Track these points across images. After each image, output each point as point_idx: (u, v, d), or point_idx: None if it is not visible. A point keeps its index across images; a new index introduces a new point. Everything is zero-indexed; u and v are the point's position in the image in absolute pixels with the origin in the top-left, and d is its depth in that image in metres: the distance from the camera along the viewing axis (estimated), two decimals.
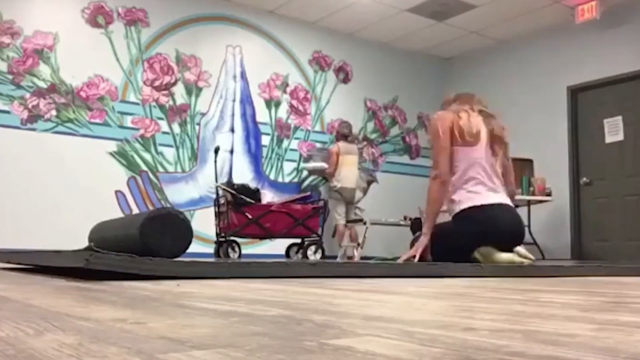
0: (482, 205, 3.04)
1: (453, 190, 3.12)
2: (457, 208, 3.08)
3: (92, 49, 6.30)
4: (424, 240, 3.02)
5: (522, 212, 6.90)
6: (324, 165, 7.17)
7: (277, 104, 7.47)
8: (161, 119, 6.64)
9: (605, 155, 6.99)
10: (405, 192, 8.03)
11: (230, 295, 1.20)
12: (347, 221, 7.00)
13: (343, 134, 7.23)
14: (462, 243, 2.99)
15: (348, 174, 6.94)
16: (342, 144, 7.07)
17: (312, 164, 7.39)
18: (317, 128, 7.75)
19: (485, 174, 3.11)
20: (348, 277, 1.97)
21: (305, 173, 7.56)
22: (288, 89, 7.57)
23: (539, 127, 7.49)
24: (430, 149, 3.33)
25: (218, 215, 5.72)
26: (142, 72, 6.58)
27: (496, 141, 3.19)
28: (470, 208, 3.04)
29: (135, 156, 6.44)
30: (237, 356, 0.51)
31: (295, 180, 7.53)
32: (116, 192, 6.28)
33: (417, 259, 2.94)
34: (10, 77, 5.87)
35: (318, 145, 7.68)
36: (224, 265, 2.06)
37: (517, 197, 6.57)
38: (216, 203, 5.75)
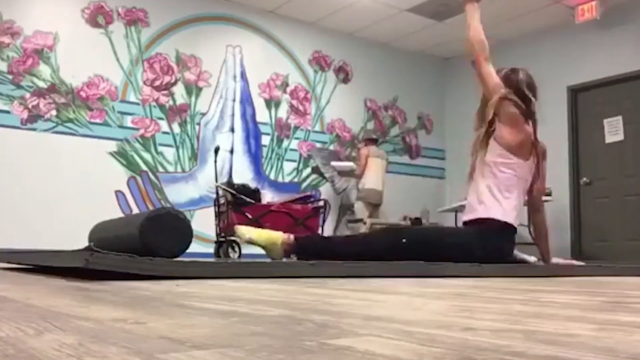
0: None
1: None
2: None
3: (92, 49, 6.30)
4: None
5: (522, 212, 6.92)
6: (353, 165, 7.25)
7: (277, 104, 7.47)
8: (161, 119, 6.64)
9: (605, 155, 6.99)
10: (405, 192, 8.03)
11: (230, 295, 1.20)
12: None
13: (370, 138, 7.37)
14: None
15: (374, 177, 7.04)
16: (372, 147, 7.21)
17: (341, 163, 7.41)
18: (317, 128, 7.75)
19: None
20: (348, 277, 1.97)
21: (304, 173, 7.56)
22: (288, 89, 7.56)
23: (538, 127, 7.48)
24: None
25: (218, 215, 5.72)
26: (142, 72, 6.58)
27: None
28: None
29: (135, 156, 6.44)
30: (237, 356, 0.51)
31: (296, 180, 7.53)
32: (116, 192, 6.28)
33: None
34: (10, 77, 5.87)
35: (318, 145, 7.68)
36: (224, 265, 2.06)
37: None
38: (216, 203, 5.75)
